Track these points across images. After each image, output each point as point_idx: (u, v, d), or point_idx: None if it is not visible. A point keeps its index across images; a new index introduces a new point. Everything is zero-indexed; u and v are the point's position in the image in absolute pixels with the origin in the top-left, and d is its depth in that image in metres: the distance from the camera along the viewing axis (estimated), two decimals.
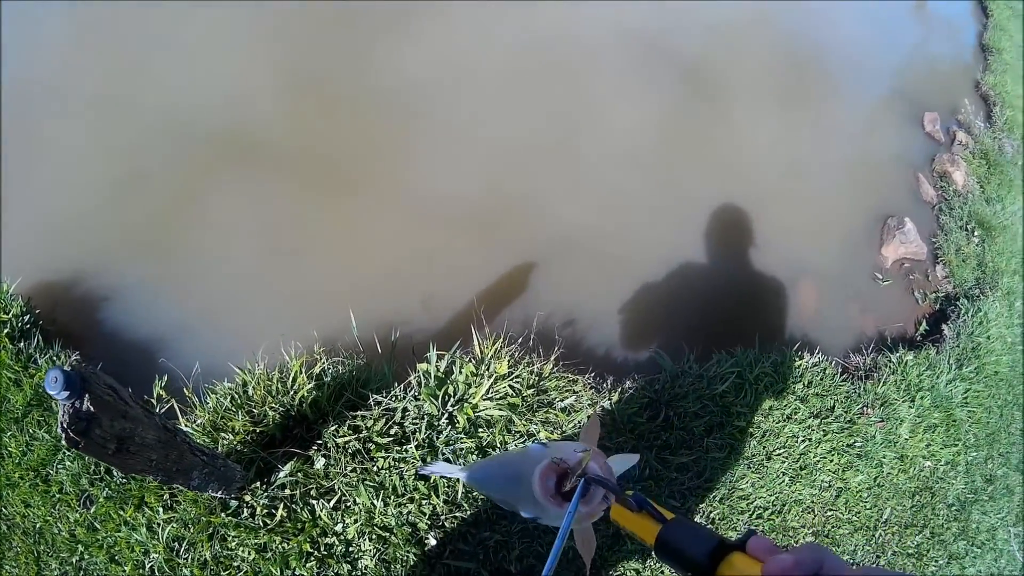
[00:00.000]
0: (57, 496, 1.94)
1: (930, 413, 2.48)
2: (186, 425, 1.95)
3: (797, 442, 2.14)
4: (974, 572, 2.47)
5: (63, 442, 1.13)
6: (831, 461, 2.19)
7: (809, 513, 2.16)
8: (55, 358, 2.13)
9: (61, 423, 1.13)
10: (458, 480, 1.83)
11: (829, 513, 2.20)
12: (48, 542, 1.92)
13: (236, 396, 1.95)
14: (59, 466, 2.01)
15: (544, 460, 0.78)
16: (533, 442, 0.88)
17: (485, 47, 2.88)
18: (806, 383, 2.17)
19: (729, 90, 3.10)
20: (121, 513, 1.91)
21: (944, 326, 2.64)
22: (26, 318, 2.17)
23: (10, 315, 2.14)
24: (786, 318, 2.32)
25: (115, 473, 2.01)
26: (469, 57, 2.84)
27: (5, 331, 2.12)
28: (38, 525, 1.93)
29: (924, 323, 2.59)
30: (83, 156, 2.48)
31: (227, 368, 2.00)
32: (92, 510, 1.94)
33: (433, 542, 1.86)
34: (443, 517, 1.84)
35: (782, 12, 3.67)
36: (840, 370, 2.29)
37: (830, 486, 2.20)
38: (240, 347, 1.99)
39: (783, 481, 2.11)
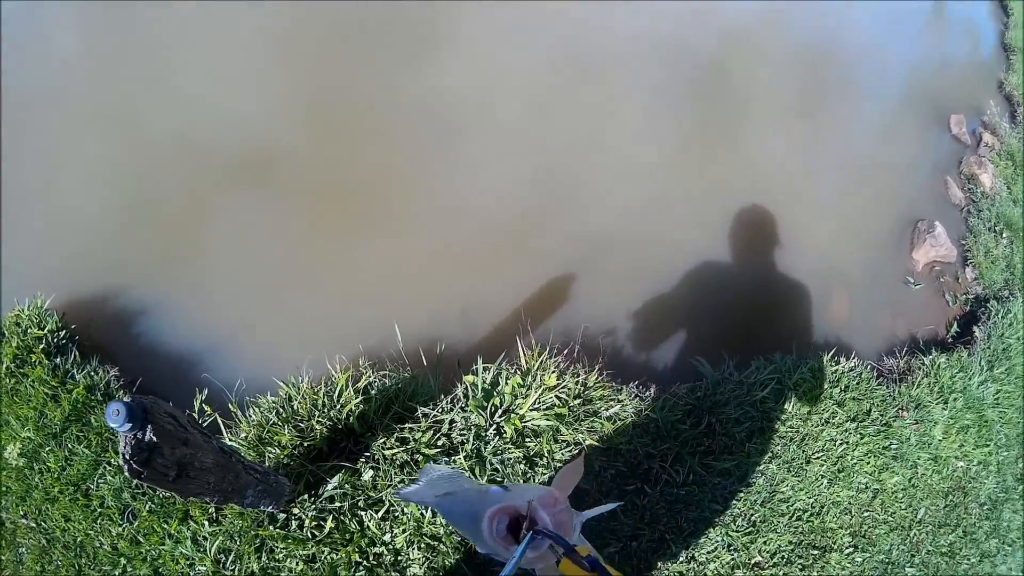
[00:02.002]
0: (98, 510, 1.96)
1: (962, 414, 2.50)
2: (231, 440, 1.98)
3: (835, 445, 2.16)
4: (1005, 570, 2.50)
5: (126, 474, 1.14)
6: (867, 463, 2.22)
7: (847, 514, 2.19)
8: (92, 373, 2.13)
9: (123, 455, 1.14)
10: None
11: (866, 514, 2.23)
12: (89, 555, 1.94)
13: (281, 410, 1.99)
14: (100, 481, 2.00)
15: (496, 504, 0.79)
16: (496, 486, 0.92)
17: (511, 56, 2.89)
18: (843, 387, 2.20)
19: (752, 94, 3.10)
20: (165, 527, 1.93)
21: (975, 328, 2.65)
22: (61, 333, 2.19)
23: (45, 331, 2.16)
24: (820, 322, 2.34)
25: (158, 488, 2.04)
26: (496, 69, 2.85)
27: (41, 347, 2.14)
28: (79, 539, 1.95)
29: (955, 325, 2.61)
30: (107, 171, 2.48)
31: (269, 382, 2.04)
32: (135, 524, 1.94)
33: (483, 552, 1.90)
34: None
35: (799, 15, 3.65)
36: (875, 374, 2.31)
37: (867, 488, 2.23)
38: (281, 361, 2.03)
39: (821, 484, 2.14)
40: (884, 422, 2.27)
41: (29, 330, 2.17)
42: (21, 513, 2.03)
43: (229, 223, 2.34)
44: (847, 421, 2.19)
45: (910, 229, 2.54)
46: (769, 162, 2.69)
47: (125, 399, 1.10)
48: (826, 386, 2.16)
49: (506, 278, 2.12)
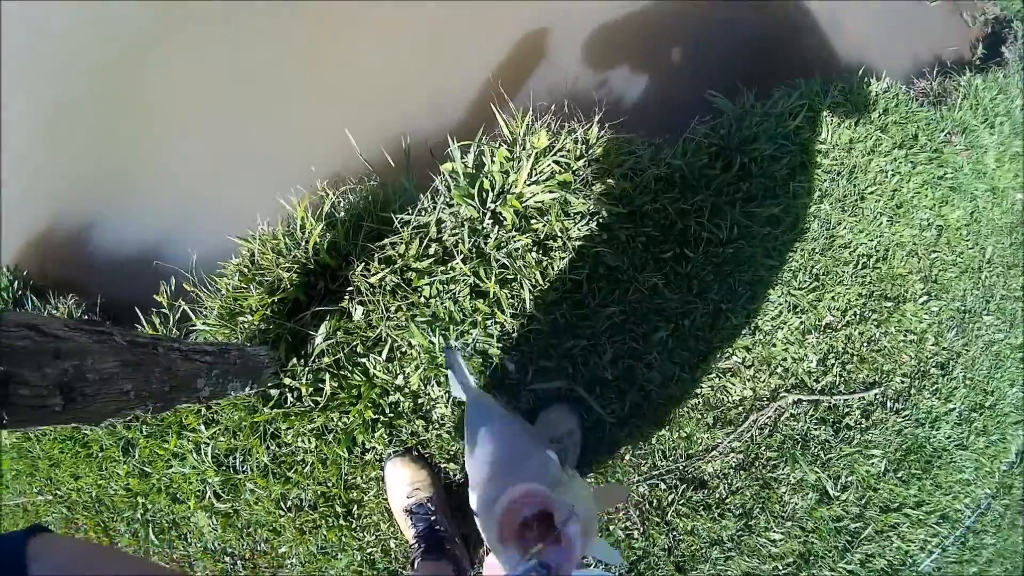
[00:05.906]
0: (100, 456, 1.74)
1: (1011, 141, 2.21)
2: (202, 324, 1.66)
3: (887, 177, 1.86)
4: None
5: None
6: (926, 196, 1.92)
7: (913, 257, 1.90)
8: (52, 312, 1.89)
9: None
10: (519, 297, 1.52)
11: (934, 255, 1.94)
12: (109, 506, 1.76)
13: (245, 271, 1.64)
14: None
15: (533, 486, 0.53)
16: (553, 452, 0.64)
17: None
18: (882, 111, 1.88)
19: None
20: (165, 447, 1.67)
21: (1003, 49, 2.34)
22: (15, 286, 1.91)
23: None
24: (837, 45, 2.01)
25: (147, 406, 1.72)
26: None
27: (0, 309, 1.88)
28: (94, 493, 1.76)
29: (980, 47, 2.30)
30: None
31: (230, 245, 1.69)
32: (136, 454, 1.70)
33: (512, 367, 1.58)
34: (515, 335, 1.56)
35: None
36: (912, 96, 2.00)
37: (930, 224, 1.94)
38: (238, 220, 1.68)
39: (881, 223, 1.84)
40: (934, 148, 1.97)
41: None
42: (36, 490, 1.84)
43: (149, 92, 1.94)
44: (894, 148, 1.88)
45: None
46: None
47: None
48: (863, 110, 1.84)
49: (471, 51, 1.74)
